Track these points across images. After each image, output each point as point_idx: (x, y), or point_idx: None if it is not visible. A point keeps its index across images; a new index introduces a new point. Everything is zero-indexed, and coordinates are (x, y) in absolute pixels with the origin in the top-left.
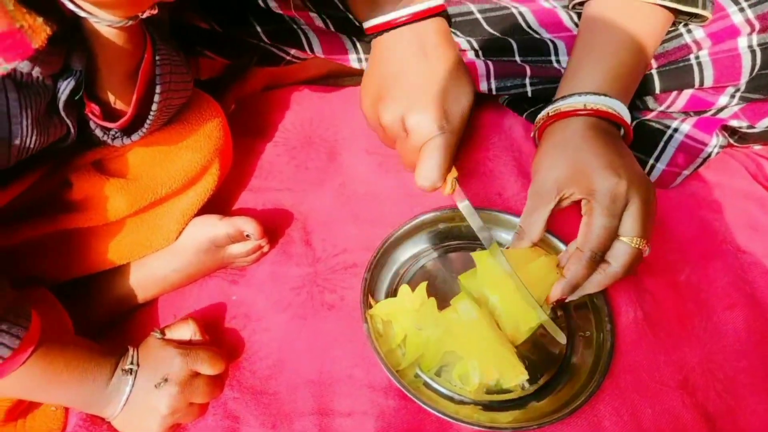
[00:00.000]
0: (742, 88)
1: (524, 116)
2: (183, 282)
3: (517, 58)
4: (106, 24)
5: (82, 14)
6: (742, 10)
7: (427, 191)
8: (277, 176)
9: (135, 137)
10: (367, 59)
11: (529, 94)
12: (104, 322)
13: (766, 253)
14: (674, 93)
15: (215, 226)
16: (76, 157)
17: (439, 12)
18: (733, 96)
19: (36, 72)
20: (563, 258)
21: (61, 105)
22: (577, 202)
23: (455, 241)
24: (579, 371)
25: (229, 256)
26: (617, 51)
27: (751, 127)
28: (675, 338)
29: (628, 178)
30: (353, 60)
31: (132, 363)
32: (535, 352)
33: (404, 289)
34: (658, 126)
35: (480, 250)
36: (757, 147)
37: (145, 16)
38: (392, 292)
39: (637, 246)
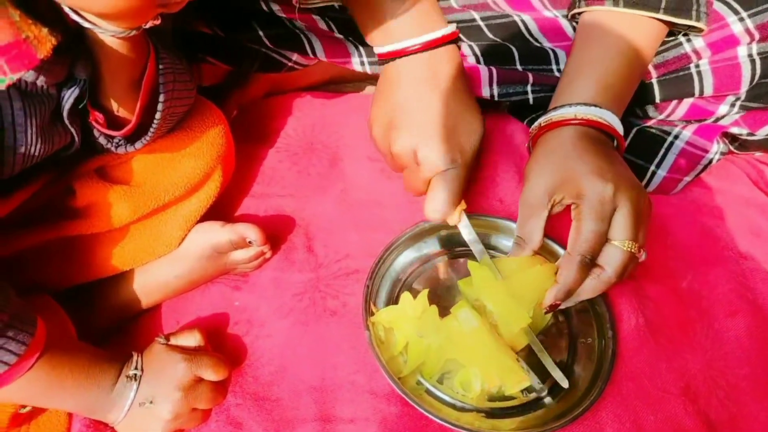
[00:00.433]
0: (743, 97)
1: (526, 123)
2: (186, 288)
3: (519, 66)
4: (109, 34)
5: (86, 25)
6: (741, 19)
7: (436, 222)
8: (279, 182)
9: (138, 145)
10: (370, 63)
11: (531, 102)
12: (107, 329)
13: None
14: (674, 102)
15: (218, 233)
16: (80, 165)
17: (452, 39)
18: (733, 105)
19: (40, 81)
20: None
21: (65, 113)
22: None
23: (457, 248)
24: (581, 378)
25: (231, 263)
26: (610, 62)
27: (751, 134)
28: (677, 345)
29: (616, 182)
30: (356, 63)
31: (136, 368)
32: (537, 359)
33: (406, 296)
34: (658, 133)
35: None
36: (757, 154)
37: (148, 26)
38: (394, 299)
39: (629, 249)
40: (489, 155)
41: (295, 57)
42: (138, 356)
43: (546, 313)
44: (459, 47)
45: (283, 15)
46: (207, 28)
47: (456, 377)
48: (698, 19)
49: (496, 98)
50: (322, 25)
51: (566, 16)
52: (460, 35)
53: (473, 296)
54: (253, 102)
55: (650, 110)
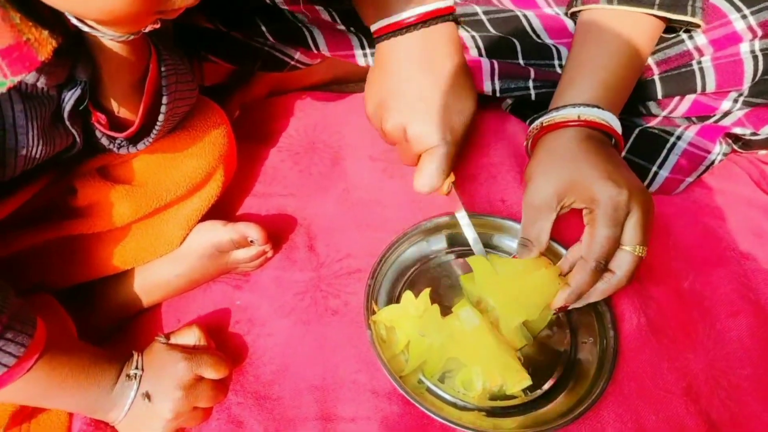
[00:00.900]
0: (745, 93)
1: (527, 123)
2: (187, 287)
3: (521, 61)
4: (109, 38)
5: (86, 29)
6: (744, 17)
7: (424, 194)
8: (281, 182)
9: (141, 146)
10: (373, 55)
11: (533, 98)
12: (108, 328)
13: None
14: (677, 98)
15: (219, 232)
16: (81, 164)
17: (448, 14)
18: (736, 101)
19: (41, 83)
20: (564, 265)
21: (65, 115)
22: (575, 210)
23: (459, 247)
24: (582, 377)
25: (233, 262)
26: (609, 62)
27: (755, 133)
28: (679, 345)
29: (629, 187)
30: (359, 56)
31: (136, 368)
32: (539, 359)
33: (408, 295)
34: (661, 133)
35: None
36: (761, 152)
37: (147, 30)
38: (395, 298)
39: (639, 254)
40: (490, 155)
41: (297, 56)
42: (138, 355)
43: (555, 314)
44: (457, 24)
45: (286, 7)
46: (209, 24)
47: (457, 376)
48: (693, 15)
49: (497, 93)
50: (325, 16)
51: (566, 14)
52: (463, 26)
53: (475, 293)
54: (256, 102)
55: (652, 107)
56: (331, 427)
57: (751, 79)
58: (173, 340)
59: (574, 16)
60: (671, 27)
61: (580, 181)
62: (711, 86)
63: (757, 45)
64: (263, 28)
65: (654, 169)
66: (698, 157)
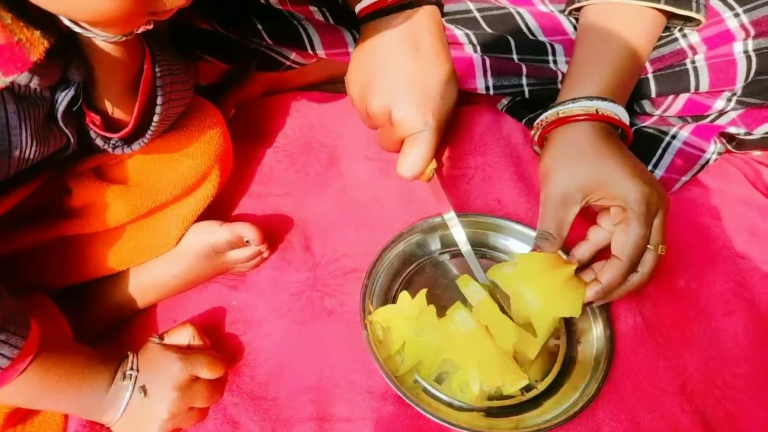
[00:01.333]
0: (738, 92)
1: (523, 122)
2: (183, 287)
3: (515, 56)
4: (101, 39)
5: (78, 30)
6: (737, 15)
7: (407, 180)
8: (277, 182)
9: (136, 147)
10: None
11: (527, 95)
12: (104, 328)
13: (765, 258)
14: (671, 97)
15: (215, 232)
16: (76, 164)
17: None
18: (729, 100)
19: (34, 83)
20: (574, 256)
21: (59, 116)
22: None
23: (455, 247)
24: (578, 377)
25: (229, 262)
26: (618, 56)
27: (748, 133)
28: (674, 344)
29: (656, 186)
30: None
31: (132, 369)
32: (535, 359)
33: (404, 295)
34: (656, 133)
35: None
36: (755, 153)
37: (140, 31)
38: (392, 299)
39: (661, 253)
40: (486, 155)
41: (293, 56)
42: (134, 356)
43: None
44: (441, 9)
45: (281, 7)
46: (205, 24)
47: (454, 379)
48: (698, 11)
49: (491, 91)
50: (318, 16)
51: (563, 12)
52: (457, 24)
53: (511, 284)
54: (251, 101)
55: (647, 105)
56: (327, 428)
57: (744, 79)
58: (167, 339)
59: (571, 14)
60: (666, 26)
61: (608, 179)
62: (704, 85)
63: (750, 45)
64: (259, 27)
65: (650, 168)
66: (693, 157)
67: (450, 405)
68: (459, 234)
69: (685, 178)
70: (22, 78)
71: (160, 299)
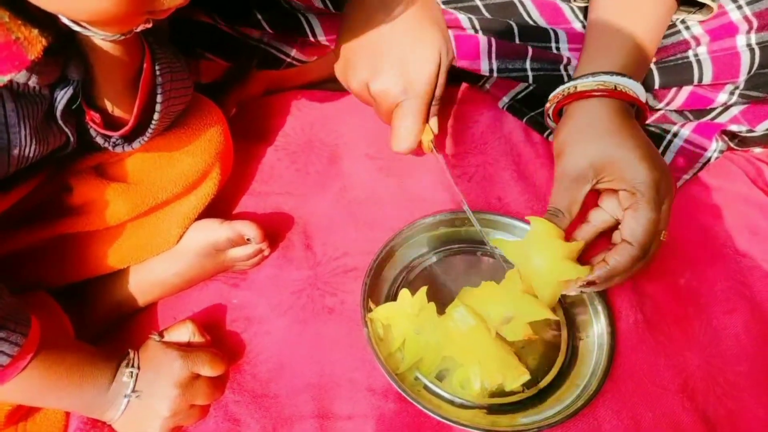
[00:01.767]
0: (741, 86)
1: (524, 120)
2: (184, 286)
3: (518, 41)
4: (100, 38)
5: (77, 28)
6: (740, 7)
7: (403, 153)
8: (277, 180)
9: (136, 144)
10: None
11: (530, 80)
12: (104, 326)
13: (766, 257)
14: (673, 90)
15: (216, 230)
16: (77, 162)
17: None
18: (732, 93)
19: (32, 82)
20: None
21: (58, 114)
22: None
23: (456, 245)
24: (579, 374)
25: (229, 260)
26: (636, 32)
27: (751, 131)
28: (675, 342)
29: (667, 172)
30: None
31: (133, 366)
32: (536, 356)
33: (404, 293)
34: (657, 131)
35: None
36: (757, 150)
37: (139, 29)
38: (392, 297)
39: (663, 239)
40: (486, 153)
41: (293, 53)
42: (134, 354)
43: (580, 286)
44: None
45: None
46: (206, 17)
47: (455, 376)
48: None
49: (494, 73)
50: (318, 4)
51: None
52: (460, 10)
53: (519, 256)
54: (252, 100)
55: (649, 98)
56: (328, 425)
57: (747, 72)
58: (167, 337)
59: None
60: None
61: (621, 160)
62: (708, 77)
63: (754, 38)
64: (259, 17)
65: None
66: (695, 155)
67: (451, 402)
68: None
69: (686, 177)
70: (21, 76)
71: (161, 297)
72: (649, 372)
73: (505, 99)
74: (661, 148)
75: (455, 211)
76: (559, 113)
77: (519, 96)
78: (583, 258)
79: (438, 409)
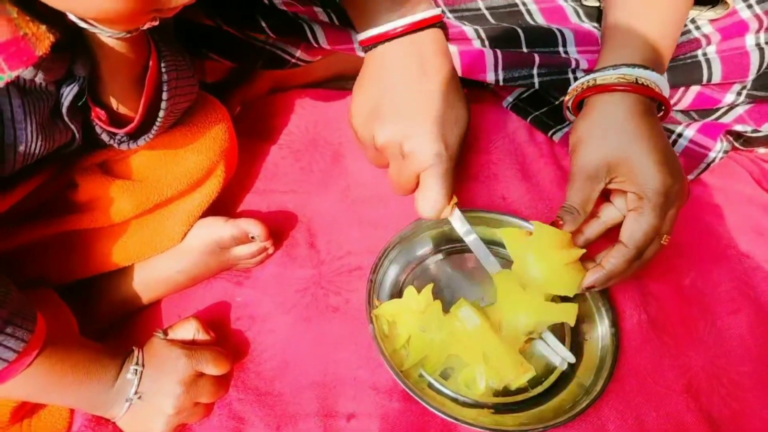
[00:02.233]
0: (749, 86)
1: (528, 120)
2: (188, 283)
3: (524, 48)
4: (107, 35)
5: (84, 25)
6: (750, 6)
7: (431, 219)
8: (282, 179)
9: (141, 142)
10: None
11: (536, 86)
12: (109, 323)
13: None
14: (681, 90)
15: (220, 228)
16: (82, 159)
17: (436, 23)
18: (739, 93)
19: (39, 78)
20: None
21: (64, 110)
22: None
23: (460, 243)
24: (584, 374)
25: (233, 258)
26: (655, 26)
27: (756, 131)
28: (679, 342)
29: (679, 176)
30: (359, 50)
31: (137, 364)
32: (540, 356)
33: (410, 290)
34: None
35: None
36: (761, 150)
37: (146, 27)
38: (397, 295)
39: (664, 243)
40: (491, 152)
41: (298, 53)
42: (139, 351)
43: (580, 293)
44: (445, 32)
45: (285, 8)
46: (210, 21)
47: (460, 376)
48: None
49: (501, 83)
50: (323, 17)
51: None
52: (464, 21)
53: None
54: (257, 98)
55: None
56: (332, 423)
57: (756, 71)
58: (171, 334)
59: None
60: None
61: (635, 161)
62: (717, 77)
63: (762, 37)
64: (263, 24)
65: None
66: (699, 155)
67: (455, 401)
68: (491, 265)
69: (690, 177)
70: (28, 72)
71: (166, 295)
72: (654, 372)
73: (510, 98)
74: None
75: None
76: (579, 106)
77: (523, 95)
78: (587, 255)
79: (442, 407)
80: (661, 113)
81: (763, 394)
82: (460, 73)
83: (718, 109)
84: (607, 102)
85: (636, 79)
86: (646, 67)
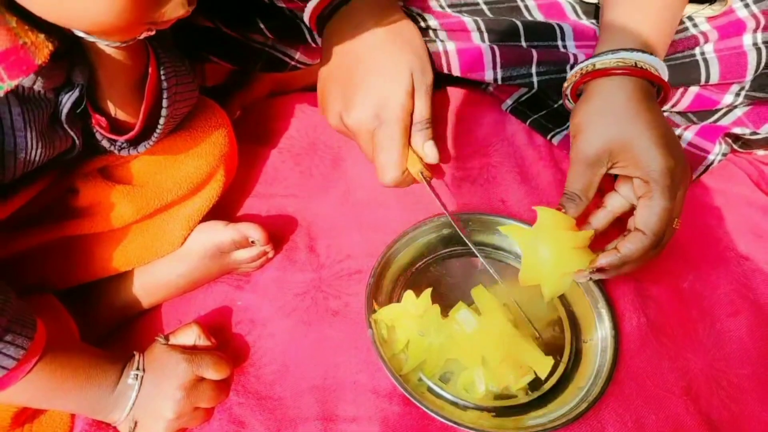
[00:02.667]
0: (747, 86)
1: (527, 123)
2: (188, 287)
3: (523, 43)
4: (104, 44)
5: (81, 35)
6: (747, 5)
7: (392, 187)
8: (281, 182)
9: (142, 148)
10: None
11: (535, 85)
12: (109, 328)
13: None
14: (680, 91)
15: (220, 232)
16: (83, 165)
17: None
18: (737, 94)
19: (38, 85)
20: (590, 224)
21: (63, 117)
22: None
23: (459, 247)
24: (583, 377)
25: (234, 262)
26: (653, 11)
27: (755, 133)
28: (678, 345)
29: (682, 159)
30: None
31: (138, 369)
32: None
33: (409, 294)
34: None
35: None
36: (760, 153)
37: (142, 37)
38: (396, 299)
39: (676, 227)
40: (490, 155)
41: (297, 56)
42: (140, 356)
43: (590, 273)
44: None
45: (283, 5)
46: (209, 23)
47: (459, 379)
48: None
49: (499, 82)
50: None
51: None
52: (464, 13)
53: (527, 242)
54: (257, 102)
55: None
56: (332, 427)
57: (754, 71)
58: (173, 340)
59: None
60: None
61: (636, 144)
62: (715, 77)
63: (760, 37)
64: (261, 25)
65: None
66: (697, 158)
67: (455, 404)
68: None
69: None
70: (27, 80)
71: (166, 299)
72: (653, 375)
73: (509, 101)
74: None
75: (459, 213)
76: (578, 94)
77: (522, 98)
78: (597, 245)
79: (442, 410)
80: (660, 98)
81: (763, 396)
82: (458, 73)
83: (716, 111)
84: (606, 86)
85: (635, 62)
86: (644, 51)
